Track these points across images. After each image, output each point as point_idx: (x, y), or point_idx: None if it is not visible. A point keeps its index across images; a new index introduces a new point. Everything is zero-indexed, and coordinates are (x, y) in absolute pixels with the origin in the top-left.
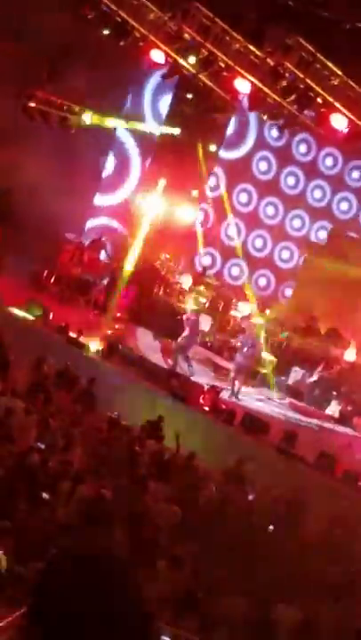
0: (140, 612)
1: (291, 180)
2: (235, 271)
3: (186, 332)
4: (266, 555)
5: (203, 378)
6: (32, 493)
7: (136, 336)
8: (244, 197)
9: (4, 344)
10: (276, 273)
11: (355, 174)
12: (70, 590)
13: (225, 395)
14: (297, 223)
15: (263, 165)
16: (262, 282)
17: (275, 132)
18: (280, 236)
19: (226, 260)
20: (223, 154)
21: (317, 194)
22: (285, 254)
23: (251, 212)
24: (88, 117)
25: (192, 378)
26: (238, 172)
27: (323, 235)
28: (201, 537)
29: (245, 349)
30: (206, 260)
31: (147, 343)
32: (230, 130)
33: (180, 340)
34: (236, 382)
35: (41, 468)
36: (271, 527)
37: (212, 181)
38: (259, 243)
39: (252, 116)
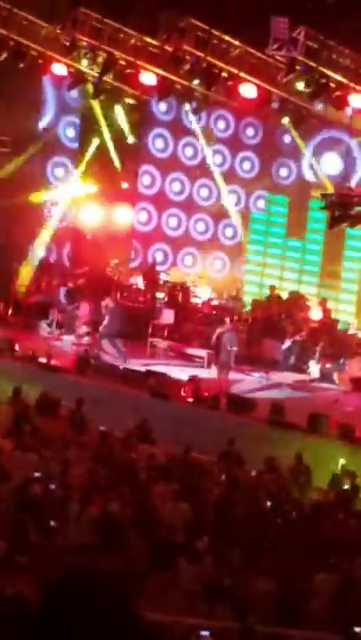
0: (135, 626)
1: (218, 159)
2: (188, 260)
3: (106, 321)
4: (282, 527)
5: (177, 371)
6: (40, 524)
7: (102, 346)
8: (176, 186)
9: None
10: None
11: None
12: (69, 608)
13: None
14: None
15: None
16: (218, 264)
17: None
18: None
19: (176, 251)
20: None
21: (246, 165)
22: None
23: (187, 199)
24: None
25: (167, 373)
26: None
27: (261, 204)
28: (215, 525)
29: (229, 347)
30: (158, 257)
31: (113, 352)
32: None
33: (101, 328)
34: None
35: (43, 497)
36: (269, 503)
37: (145, 180)
38: (201, 226)
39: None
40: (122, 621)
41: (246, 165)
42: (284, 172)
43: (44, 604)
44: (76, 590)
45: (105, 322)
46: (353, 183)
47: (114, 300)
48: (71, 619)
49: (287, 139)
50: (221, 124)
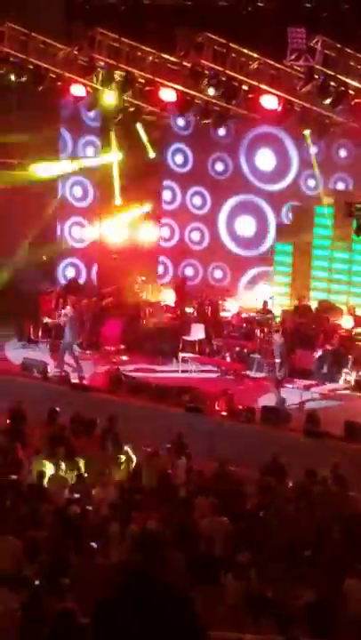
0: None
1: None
2: (218, 274)
3: (66, 331)
4: (321, 537)
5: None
6: (80, 545)
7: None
8: (197, 200)
9: (14, 410)
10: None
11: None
12: (128, 624)
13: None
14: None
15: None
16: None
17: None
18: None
19: (206, 265)
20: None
21: None
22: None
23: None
24: (39, 168)
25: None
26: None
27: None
28: (254, 538)
29: (279, 361)
30: (188, 272)
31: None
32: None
33: (63, 341)
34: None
35: (82, 517)
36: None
37: (166, 195)
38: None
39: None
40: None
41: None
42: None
43: (103, 618)
44: (139, 601)
45: (66, 332)
46: None
47: (73, 308)
48: (133, 631)
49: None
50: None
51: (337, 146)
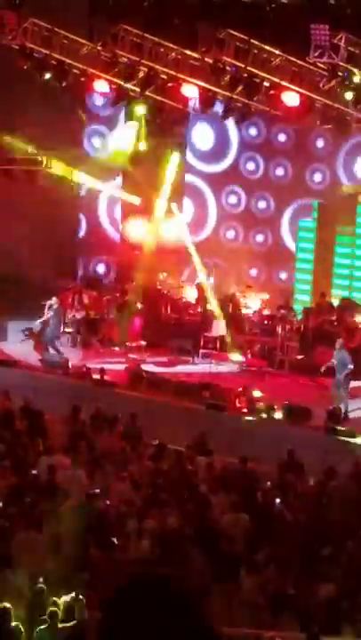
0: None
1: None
2: (252, 272)
3: (51, 323)
4: (342, 534)
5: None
6: (101, 540)
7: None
8: (233, 199)
9: (31, 405)
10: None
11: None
12: (137, 617)
13: None
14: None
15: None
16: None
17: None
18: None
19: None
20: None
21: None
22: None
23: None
24: (57, 167)
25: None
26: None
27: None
28: (274, 535)
29: (342, 367)
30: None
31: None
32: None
33: (48, 332)
34: (343, 403)
35: (102, 513)
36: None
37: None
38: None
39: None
40: (195, 633)
41: (280, 172)
42: (318, 177)
43: (112, 613)
44: (146, 599)
45: (50, 323)
46: None
47: (60, 300)
48: (142, 628)
49: (320, 143)
50: (253, 131)
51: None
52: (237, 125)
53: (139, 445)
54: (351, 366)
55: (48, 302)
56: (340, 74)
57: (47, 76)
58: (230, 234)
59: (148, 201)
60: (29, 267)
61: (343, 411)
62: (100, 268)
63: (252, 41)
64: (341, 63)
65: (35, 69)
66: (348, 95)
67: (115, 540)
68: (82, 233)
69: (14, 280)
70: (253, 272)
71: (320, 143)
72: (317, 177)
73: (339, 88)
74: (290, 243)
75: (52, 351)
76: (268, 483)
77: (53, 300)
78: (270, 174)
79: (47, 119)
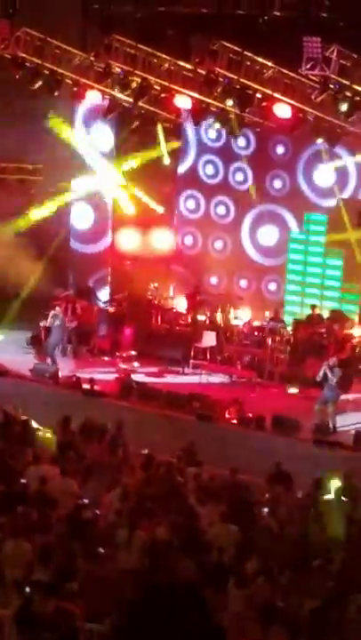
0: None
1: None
2: (243, 283)
3: (53, 332)
4: (329, 547)
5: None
6: (89, 550)
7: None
8: (221, 209)
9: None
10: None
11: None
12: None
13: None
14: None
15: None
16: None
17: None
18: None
19: (231, 274)
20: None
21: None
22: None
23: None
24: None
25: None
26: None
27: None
28: (264, 547)
29: (334, 382)
30: (214, 280)
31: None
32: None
33: (50, 340)
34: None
35: (91, 523)
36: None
37: (190, 204)
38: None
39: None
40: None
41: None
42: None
43: (128, 619)
44: (160, 604)
45: (54, 332)
46: None
47: (63, 310)
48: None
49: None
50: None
51: None
52: (231, 136)
53: (125, 455)
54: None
55: (52, 312)
56: (331, 86)
57: (38, 84)
58: (188, 240)
59: (141, 211)
60: (20, 277)
61: (331, 425)
62: (93, 278)
63: (245, 53)
64: (333, 76)
65: (26, 79)
66: (343, 107)
67: (102, 550)
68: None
69: (3, 291)
70: (243, 283)
71: (280, 149)
72: (277, 184)
73: (334, 100)
74: (250, 249)
75: (48, 361)
76: (259, 494)
77: (57, 310)
78: (230, 179)
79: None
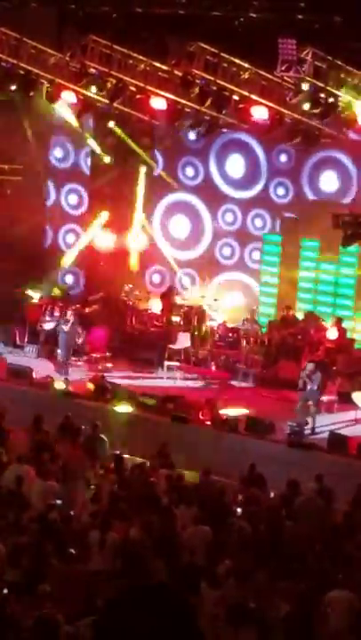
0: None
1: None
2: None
3: (68, 337)
4: (302, 547)
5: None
6: (61, 551)
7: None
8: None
9: None
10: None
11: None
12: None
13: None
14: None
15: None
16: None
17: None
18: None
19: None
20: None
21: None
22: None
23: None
24: None
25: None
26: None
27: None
28: (236, 548)
29: (315, 385)
30: (186, 281)
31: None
32: None
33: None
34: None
35: (64, 524)
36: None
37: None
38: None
39: None
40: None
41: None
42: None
43: (106, 620)
44: (138, 605)
45: (67, 336)
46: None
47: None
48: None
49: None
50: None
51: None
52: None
53: (100, 456)
54: (315, 388)
55: (66, 317)
56: (305, 88)
57: (13, 86)
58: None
59: (117, 214)
60: None
61: (311, 426)
62: (69, 279)
63: (221, 54)
64: (308, 78)
65: (2, 79)
66: (306, 105)
67: (74, 551)
68: (48, 243)
69: None
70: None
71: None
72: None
73: (304, 102)
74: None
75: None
76: (232, 495)
77: (69, 315)
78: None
79: (10, 128)
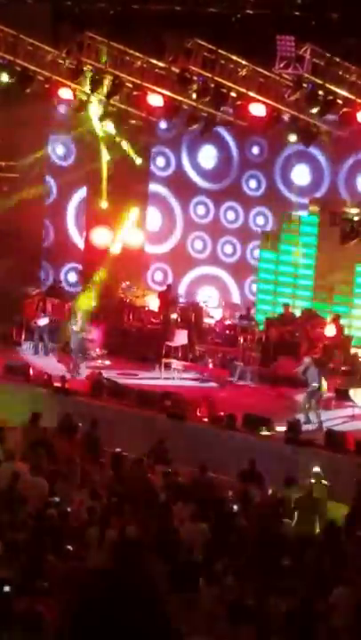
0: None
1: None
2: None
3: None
4: (299, 545)
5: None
6: (58, 548)
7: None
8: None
9: None
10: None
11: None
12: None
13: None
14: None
15: None
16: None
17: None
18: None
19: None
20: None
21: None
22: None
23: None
24: None
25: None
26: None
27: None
28: (234, 545)
29: (314, 384)
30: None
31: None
32: None
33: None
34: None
35: (61, 520)
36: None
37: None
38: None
39: None
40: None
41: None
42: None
43: (81, 619)
44: (115, 603)
45: (75, 336)
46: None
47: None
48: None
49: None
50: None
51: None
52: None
53: (98, 453)
54: (316, 384)
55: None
56: (304, 85)
57: (10, 81)
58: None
59: (114, 210)
60: None
61: (316, 421)
62: (72, 277)
63: (219, 51)
64: (306, 75)
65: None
66: (316, 106)
67: (71, 547)
68: (48, 240)
69: None
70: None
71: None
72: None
73: (307, 99)
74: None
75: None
76: (229, 492)
77: (79, 316)
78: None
79: (10, 125)
